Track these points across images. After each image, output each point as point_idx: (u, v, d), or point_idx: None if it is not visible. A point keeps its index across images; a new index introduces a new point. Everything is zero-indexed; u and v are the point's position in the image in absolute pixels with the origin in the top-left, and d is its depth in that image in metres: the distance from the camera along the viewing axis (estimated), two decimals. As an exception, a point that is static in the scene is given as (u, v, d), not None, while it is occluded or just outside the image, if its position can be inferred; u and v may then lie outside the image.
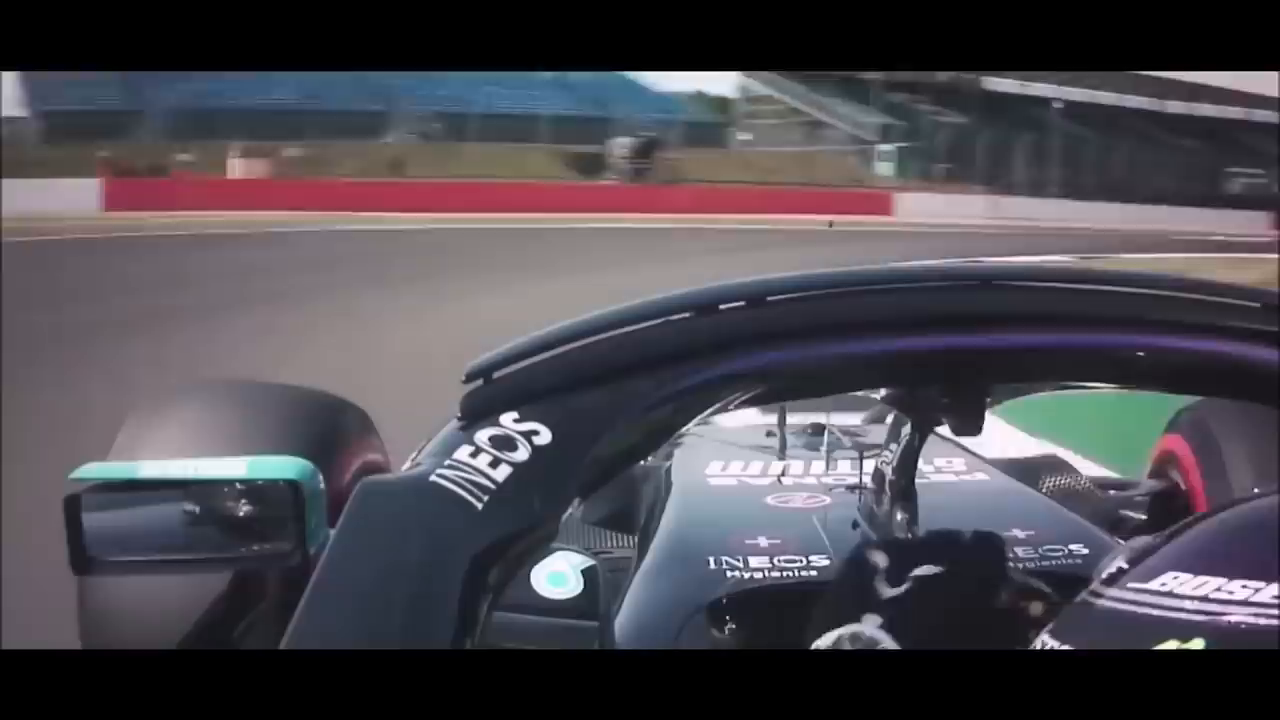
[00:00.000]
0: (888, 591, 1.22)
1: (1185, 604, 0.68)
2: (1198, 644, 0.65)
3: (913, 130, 39.52)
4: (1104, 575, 0.77)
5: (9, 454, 4.49)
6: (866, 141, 39.65)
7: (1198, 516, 0.81)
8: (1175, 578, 0.70)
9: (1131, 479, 2.35)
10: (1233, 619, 0.65)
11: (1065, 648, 0.73)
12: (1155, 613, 0.69)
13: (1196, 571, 0.70)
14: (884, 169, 39.20)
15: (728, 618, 1.35)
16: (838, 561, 1.42)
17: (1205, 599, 0.67)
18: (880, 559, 1.40)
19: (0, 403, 5.27)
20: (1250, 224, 35.55)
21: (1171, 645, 0.66)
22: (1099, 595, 0.76)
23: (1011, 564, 1.41)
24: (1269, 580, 0.66)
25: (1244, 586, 0.67)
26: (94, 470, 1.00)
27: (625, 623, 1.36)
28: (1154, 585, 0.71)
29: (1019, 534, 1.48)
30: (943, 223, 27.63)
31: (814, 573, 1.40)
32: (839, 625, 1.19)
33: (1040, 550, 1.45)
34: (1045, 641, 0.75)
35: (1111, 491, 2.23)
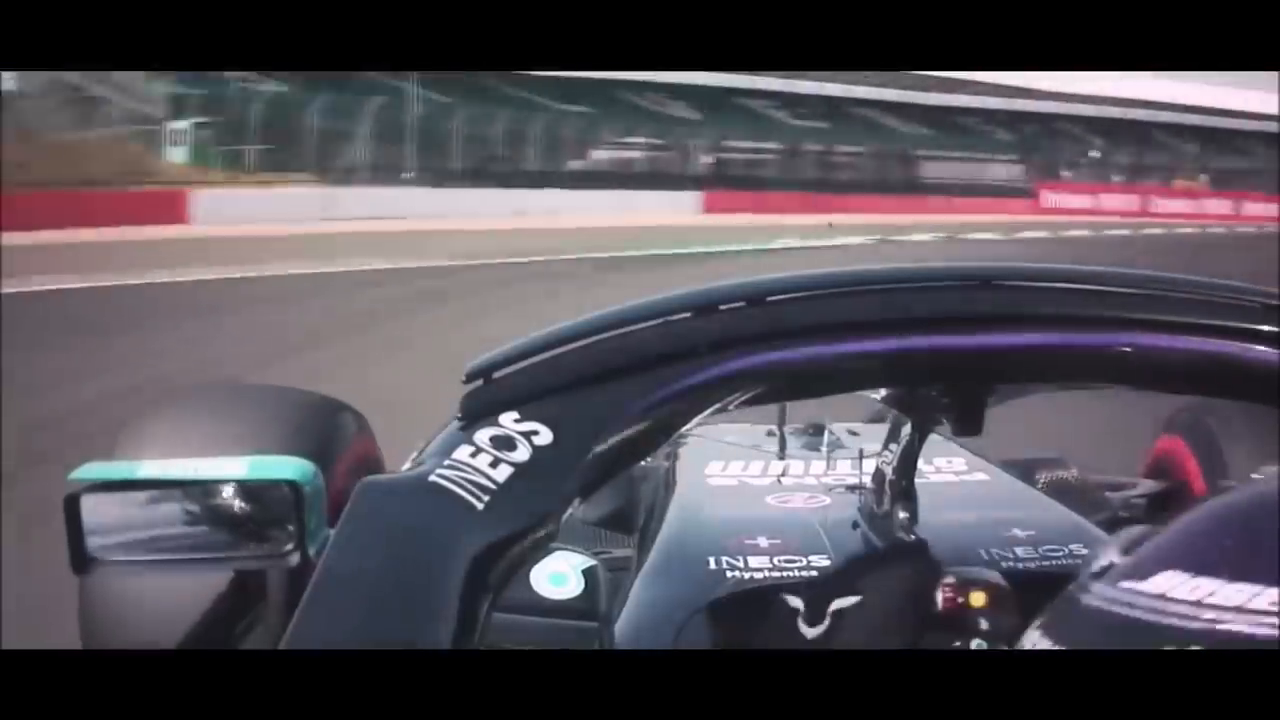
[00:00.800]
0: (887, 589, 1.22)
1: (1180, 609, 0.67)
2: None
3: (216, 101, 27.41)
4: (1094, 569, 0.76)
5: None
6: (156, 120, 27.50)
7: (1192, 510, 0.80)
8: (1169, 578, 0.69)
9: (1131, 479, 2.35)
10: (1226, 627, 0.64)
11: (1055, 646, 0.73)
12: (1149, 618, 0.68)
13: (1193, 572, 0.69)
14: (178, 156, 27.35)
15: (728, 618, 1.35)
16: (838, 561, 1.42)
17: (1199, 604, 0.66)
18: (881, 558, 1.41)
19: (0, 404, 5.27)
20: (680, 208, 29.62)
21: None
22: (1088, 591, 0.75)
23: (1010, 564, 1.42)
24: (1267, 584, 0.65)
25: (1238, 591, 0.65)
26: (94, 470, 1.00)
27: (625, 623, 1.36)
28: (1147, 587, 0.70)
29: (1019, 534, 1.48)
30: (254, 234, 18.18)
31: (814, 573, 1.40)
32: (841, 623, 1.19)
33: (1040, 550, 1.45)
34: (1034, 639, 0.75)
35: (1111, 492, 2.23)
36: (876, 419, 2.17)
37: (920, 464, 1.52)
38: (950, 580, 1.18)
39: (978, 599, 1.16)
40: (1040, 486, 1.99)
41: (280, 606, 1.23)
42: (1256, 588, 0.65)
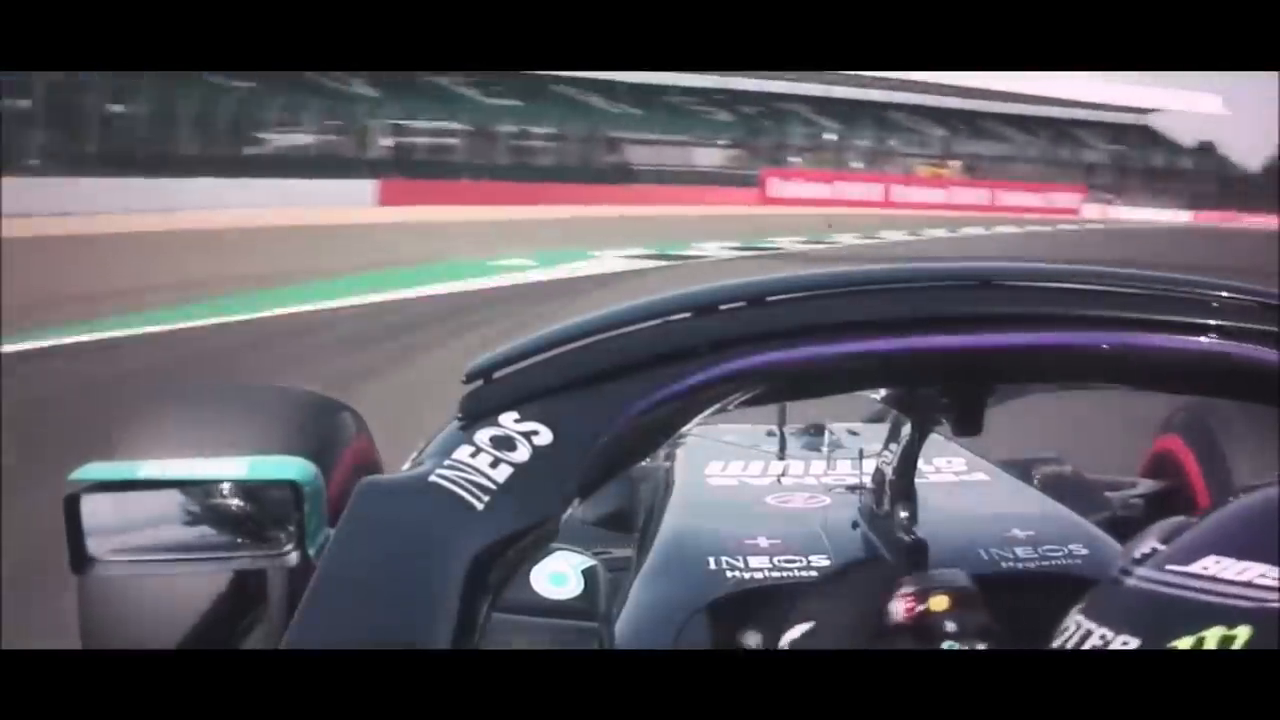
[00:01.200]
0: (892, 589, 1.22)
1: (1230, 589, 0.67)
2: (1244, 631, 0.64)
3: None
4: (1137, 554, 0.77)
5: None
6: None
7: (1232, 500, 0.80)
8: (1217, 562, 0.70)
9: (1131, 479, 2.35)
10: (1276, 606, 0.65)
11: (1099, 629, 0.73)
12: (1200, 598, 0.68)
13: (1238, 556, 0.69)
14: None
15: (728, 618, 1.35)
16: (838, 561, 1.42)
17: (1249, 584, 0.67)
18: (881, 558, 1.41)
19: (1, 402, 5.26)
20: (353, 199, 24.83)
21: (1219, 632, 0.65)
22: (1132, 575, 0.75)
23: (1010, 564, 1.42)
24: None
25: None
26: (95, 470, 1.00)
27: (625, 623, 1.36)
28: (1195, 569, 0.70)
29: (1019, 534, 1.48)
30: None
31: (814, 573, 1.40)
32: (849, 617, 1.19)
33: (1040, 550, 1.45)
34: (1079, 622, 0.75)
35: (1111, 491, 2.23)
36: (876, 419, 2.17)
37: (920, 464, 1.52)
38: (942, 583, 1.18)
39: (970, 601, 1.16)
40: (1040, 486, 1.99)
41: (280, 606, 1.23)
42: None
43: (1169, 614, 0.69)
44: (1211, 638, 0.65)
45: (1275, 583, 0.66)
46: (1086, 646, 0.72)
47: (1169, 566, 0.72)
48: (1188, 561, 0.71)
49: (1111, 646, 0.71)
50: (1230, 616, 0.65)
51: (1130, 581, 0.75)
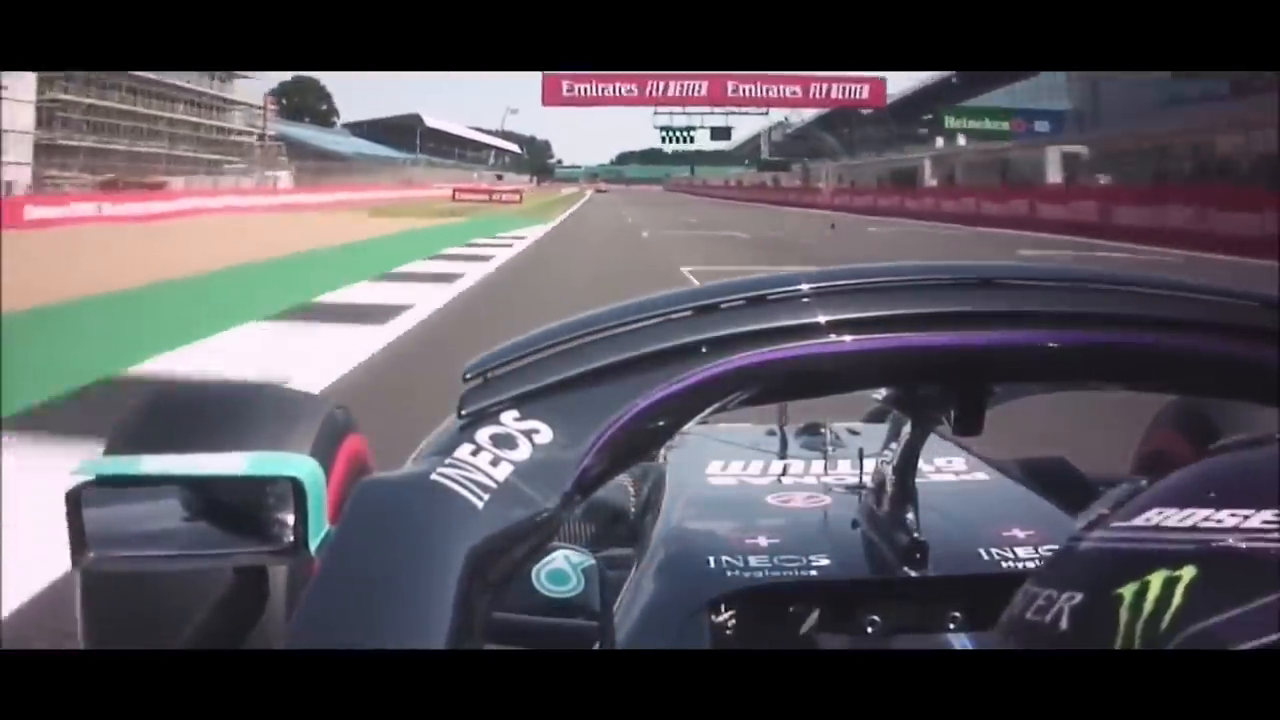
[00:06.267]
0: (890, 589, 1.23)
1: (1173, 535, 0.68)
2: (1189, 571, 0.65)
3: None
4: (1085, 522, 0.78)
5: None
6: None
7: (1183, 467, 0.81)
8: (1160, 513, 0.71)
9: (1131, 478, 2.34)
10: (1222, 545, 0.66)
11: (1044, 592, 0.74)
12: (1143, 547, 0.69)
13: (1182, 505, 0.70)
14: None
15: (728, 618, 1.35)
16: (837, 561, 1.42)
17: (1194, 529, 0.68)
18: (881, 558, 1.41)
19: None
20: None
21: (1162, 574, 0.66)
22: (1082, 540, 0.77)
23: (1010, 564, 1.42)
24: (1258, 508, 0.67)
25: (1232, 515, 0.67)
26: (95, 465, 1.00)
27: (625, 622, 1.36)
28: (1138, 522, 0.72)
29: (1019, 534, 1.48)
30: None
31: (814, 573, 1.40)
32: (841, 623, 1.19)
33: (1040, 550, 1.45)
34: (1029, 590, 0.76)
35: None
36: (876, 419, 2.16)
37: (920, 464, 1.52)
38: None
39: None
40: (1040, 487, 1.99)
41: (281, 605, 1.23)
42: (1248, 510, 0.66)
43: (1111, 565, 0.70)
44: (1155, 581, 0.66)
45: (1220, 525, 0.67)
46: (1032, 609, 0.74)
47: (1114, 524, 0.74)
48: (1131, 517, 0.73)
49: (1056, 605, 0.72)
50: (1174, 559, 0.66)
51: (1080, 546, 0.77)
